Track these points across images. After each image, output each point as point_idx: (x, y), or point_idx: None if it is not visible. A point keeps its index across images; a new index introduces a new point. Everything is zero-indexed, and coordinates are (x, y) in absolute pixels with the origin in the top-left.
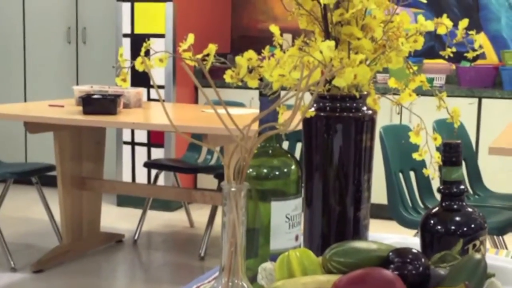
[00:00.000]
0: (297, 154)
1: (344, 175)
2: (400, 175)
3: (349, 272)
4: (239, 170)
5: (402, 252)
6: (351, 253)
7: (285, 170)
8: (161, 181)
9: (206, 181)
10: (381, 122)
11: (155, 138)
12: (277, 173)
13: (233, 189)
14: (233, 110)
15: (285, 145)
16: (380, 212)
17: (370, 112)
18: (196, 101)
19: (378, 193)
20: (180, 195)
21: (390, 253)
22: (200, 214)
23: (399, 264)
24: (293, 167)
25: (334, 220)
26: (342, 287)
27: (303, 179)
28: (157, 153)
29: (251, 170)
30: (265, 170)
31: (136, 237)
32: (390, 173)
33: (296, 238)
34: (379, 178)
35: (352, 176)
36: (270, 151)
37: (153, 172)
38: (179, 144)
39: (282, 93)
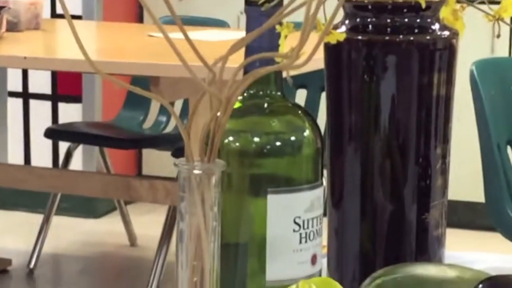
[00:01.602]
0: (318, 113)
1: (400, 148)
2: (509, 148)
3: None
4: (209, 140)
5: (504, 283)
6: (408, 286)
7: (293, 138)
8: (77, 163)
9: (158, 162)
10: (472, 54)
11: (66, 87)
12: (278, 144)
13: (196, 171)
14: (207, 34)
15: (297, 97)
16: (468, 217)
17: (446, 33)
18: (139, 19)
19: (466, 182)
20: (112, 188)
21: (480, 286)
22: (148, 223)
23: None
24: (307, 133)
25: (383, 229)
26: None
27: (326, 155)
28: (70, 114)
29: (230, 139)
30: (256, 139)
31: (31, 264)
32: (489, 146)
33: (313, 260)
34: (468, 155)
35: (414, 150)
36: (266, 105)
37: (63, 146)
38: (110, 98)
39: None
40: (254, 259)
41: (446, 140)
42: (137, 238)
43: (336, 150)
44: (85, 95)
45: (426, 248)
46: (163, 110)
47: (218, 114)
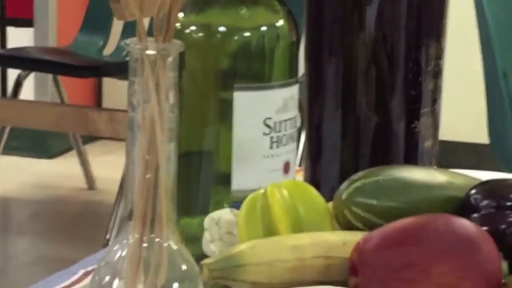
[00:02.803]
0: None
1: (387, 47)
2: None
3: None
4: (164, 18)
5: (498, 188)
6: (392, 189)
7: (264, 29)
8: (28, 94)
9: (120, 93)
10: None
11: (16, 9)
12: (246, 35)
13: (149, 51)
14: None
15: None
16: (471, 159)
17: None
18: None
19: (469, 122)
20: (67, 120)
21: (472, 191)
22: (108, 164)
23: (491, 211)
24: (280, 24)
25: (367, 144)
26: (372, 253)
27: (302, 49)
28: (20, 39)
29: (193, 29)
30: (222, 30)
31: None
32: (493, 74)
33: (286, 168)
34: (473, 92)
35: (404, 48)
36: None
37: (12, 74)
38: (65, 21)
39: None
40: (219, 166)
41: (440, 38)
42: (96, 180)
43: (314, 45)
44: (38, 18)
45: (416, 162)
46: (125, 34)
47: None
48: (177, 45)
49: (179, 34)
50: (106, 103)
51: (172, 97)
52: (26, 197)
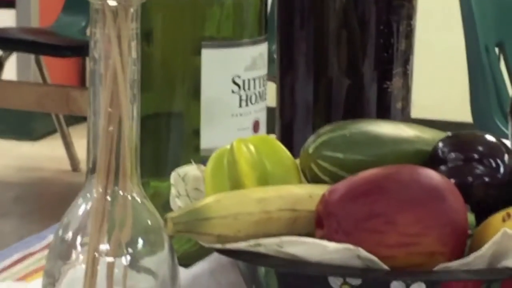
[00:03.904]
0: None
1: (358, 6)
2: (496, 51)
3: None
4: None
5: (466, 141)
6: (358, 143)
7: None
8: (10, 75)
9: None
10: None
11: None
12: None
13: (111, 2)
14: None
15: None
16: None
17: None
18: None
19: (455, 101)
20: (49, 100)
21: (440, 143)
22: None
23: (458, 163)
24: None
25: (340, 101)
26: (337, 204)
27: (272, 7)
28: (2, 21)
29: None
30: None
31: None
32: (476, 48)
33: (255, 127)
34: (458, 70)
35: (375, 9)
36: None
37: None
38: (47, 1)
39: None
40: (187, 126)
41: None
42: (80, 162)
43: (284, 16)
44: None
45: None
46: None
47: None
48: None
49: None
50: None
51: (134, 50)
52: (10, 179)
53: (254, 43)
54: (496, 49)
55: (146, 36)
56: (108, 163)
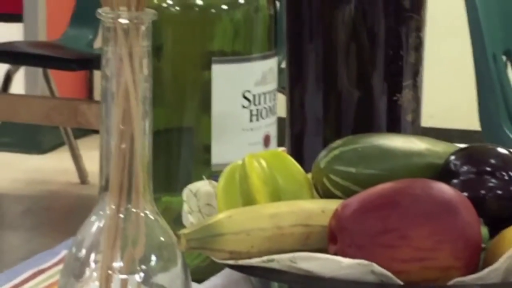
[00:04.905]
0: None
1: (367, 19)
2: (504, 59)
3: None
4: None
5: (478, 153)
6: (370, 157)
7: (242, 1)
8: (18, 88)
9: None
10: None
11: (4, 5)
12: (224, 8)
13: (122, 20)
14: None
15: None
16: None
17: None
18: None
19: (462, 109)
20: (57, 113)
21: (452, 157)
22: None
23: (471, 177)
24: None
25: (350, 113)
26: (350, 219)
27: (280, 20)
28: (10, 35)
29: (169, 2)
30: (198, 2)
31: None
32: (483, 57)
33: (266, 141)
34: (466, 79)
35: (384, 22)
36: None
37: (2, 69)
38: (54, 15)
39: None
40: (197, 141)
41: (420, 10)
42: (88, 174)
43: (294, 29)
44: (27, 13)
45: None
46: None
47: None
48: (149, 13)
49: (156, 9)
50: (97, 97)
51: (146, 67)
52: (18, 193)
53: (264, 57)
54: (504, 57)
55: (156, 52)
56: (120, 180)
